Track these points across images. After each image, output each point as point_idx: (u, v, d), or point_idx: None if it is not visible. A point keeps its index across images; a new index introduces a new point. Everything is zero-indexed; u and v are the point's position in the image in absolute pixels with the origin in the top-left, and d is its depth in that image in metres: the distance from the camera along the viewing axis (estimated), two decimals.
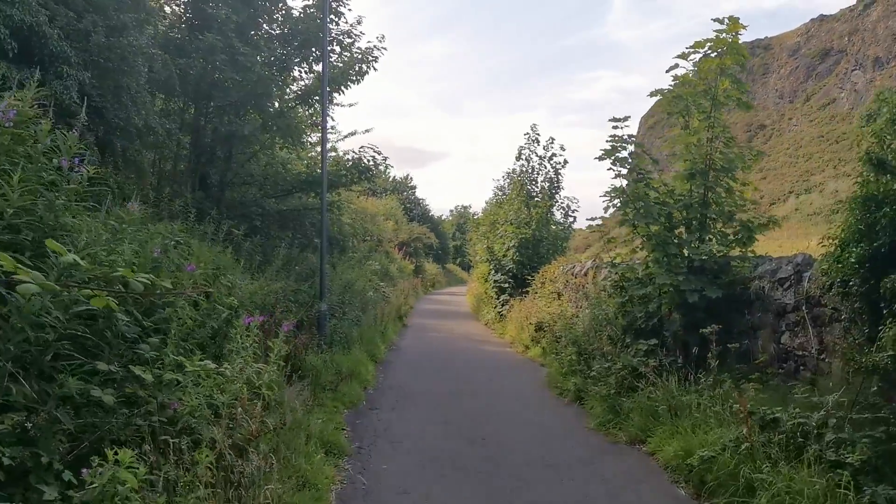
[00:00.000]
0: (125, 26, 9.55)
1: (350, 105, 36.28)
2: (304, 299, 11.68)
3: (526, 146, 21.20)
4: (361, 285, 15.45)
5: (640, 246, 9.05)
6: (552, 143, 21.06)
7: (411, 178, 59.63)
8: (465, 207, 71.66)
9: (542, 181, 21.20)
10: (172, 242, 5.52)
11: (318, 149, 19.64)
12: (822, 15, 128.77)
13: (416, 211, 55.54)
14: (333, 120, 18.96)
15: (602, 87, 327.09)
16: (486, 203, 47.58)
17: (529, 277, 18.80)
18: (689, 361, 7.47)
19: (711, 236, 8.08)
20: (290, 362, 8.69)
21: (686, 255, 8.01)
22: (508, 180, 29.16)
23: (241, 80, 12.93)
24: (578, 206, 21.58)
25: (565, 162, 20.99)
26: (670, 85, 8.71)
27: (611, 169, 8.64)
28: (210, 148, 14.61)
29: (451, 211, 73.51)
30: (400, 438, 7.35)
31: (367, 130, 25.76)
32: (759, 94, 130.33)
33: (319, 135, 20.67)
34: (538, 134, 21.15)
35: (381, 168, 15.62)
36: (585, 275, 14.00)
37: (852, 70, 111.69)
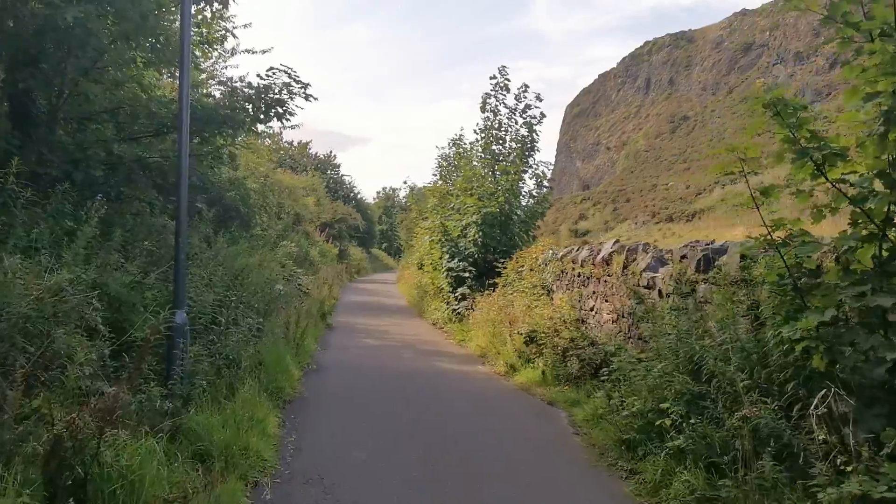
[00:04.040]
0: None
1: (263, 52, 29.78)
2: (154, 301, 6.41)
3: (492, 93, 16.26)
4: (265, 275, 10.19)
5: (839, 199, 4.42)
6: (525, 91, 16.21)
7: (335, 156, 53.20)
8: (393, 190, 65.74)
9: (510, 141, 16.38)
10: None
11: (207, 75, 14.02)
12: (744, 9, 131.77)
13: (340, 191, 49.51)
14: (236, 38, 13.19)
15: (526, 76, 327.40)
16: (412, 187, 42.29)
17: (498, 265, 14.05)
18: None
19: None
20: (57, 465, 3.54)
21: None
22: (454, 149, 24.24)
23: None
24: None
25: (542, 116, 16.21)
26: None
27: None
28: (29, 55, 8.91)
29: (378, 193, 67.42)
30: None
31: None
32: (682, 85, 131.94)
33: (213, 57, 15.00)
34: (508, 79, 16.24)
35: (300, 98, 10.34)
36: (607, 262, 9.33)
37: (773, 63, 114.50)
